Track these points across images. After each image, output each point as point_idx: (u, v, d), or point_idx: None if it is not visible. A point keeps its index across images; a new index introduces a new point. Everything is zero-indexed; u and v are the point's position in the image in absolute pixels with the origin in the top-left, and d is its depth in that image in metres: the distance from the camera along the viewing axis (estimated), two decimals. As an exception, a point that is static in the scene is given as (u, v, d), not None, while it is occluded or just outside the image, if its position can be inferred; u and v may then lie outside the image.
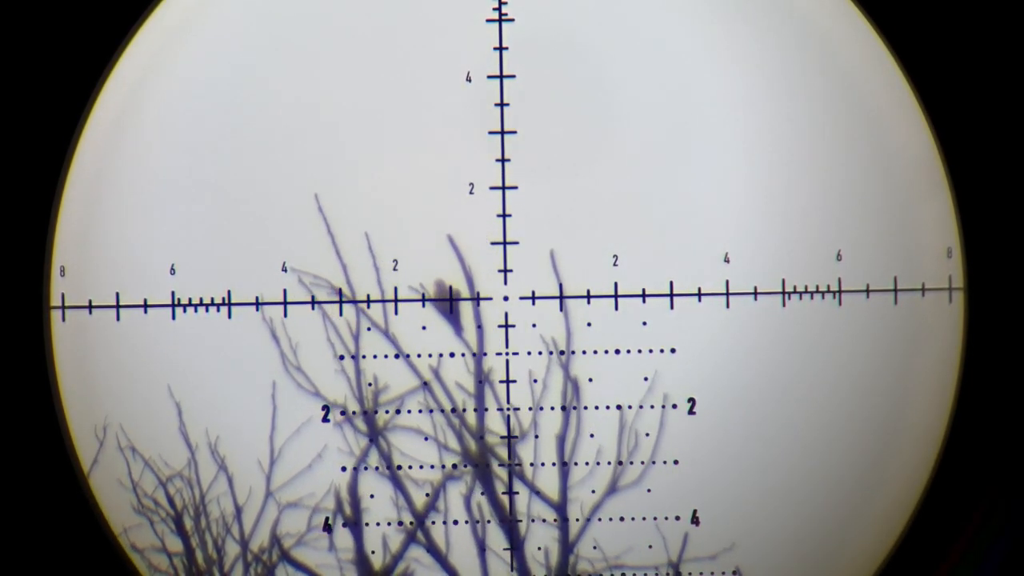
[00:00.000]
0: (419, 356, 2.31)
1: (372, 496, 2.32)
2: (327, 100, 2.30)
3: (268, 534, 2.32)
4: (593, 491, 2.32)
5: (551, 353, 2.30)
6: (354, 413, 2.31)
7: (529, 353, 2.31)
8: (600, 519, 2.33)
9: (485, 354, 2.31)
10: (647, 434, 2.32)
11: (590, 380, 2.32)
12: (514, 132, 2.31)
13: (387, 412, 2.32)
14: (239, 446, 2.31)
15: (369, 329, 2.31)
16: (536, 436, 2.31)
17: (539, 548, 2.32)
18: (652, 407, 2.31)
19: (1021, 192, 2.25)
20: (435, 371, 2.31)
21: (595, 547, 2.32)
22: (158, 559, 2.32)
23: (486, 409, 2.32)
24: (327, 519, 2.31)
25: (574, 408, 2.31)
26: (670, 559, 2.32)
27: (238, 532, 2.32)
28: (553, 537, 2.33)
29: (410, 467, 2.32)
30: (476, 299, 2.31)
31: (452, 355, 2.31)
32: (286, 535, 2.32)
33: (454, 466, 2.31)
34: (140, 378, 2.30)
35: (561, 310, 2.30)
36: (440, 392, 2.31)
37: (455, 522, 2.33)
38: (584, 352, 2.31)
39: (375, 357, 2.32)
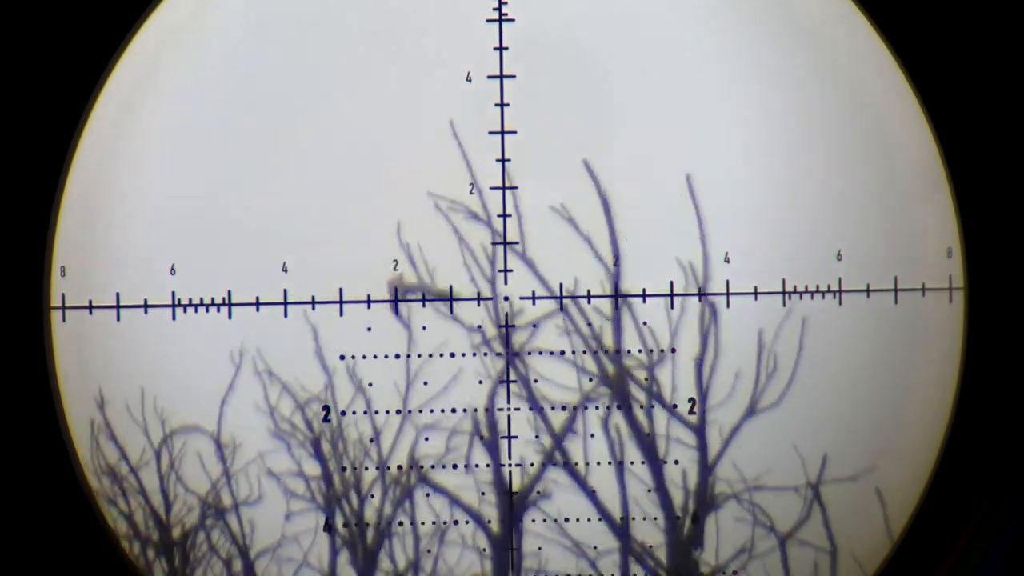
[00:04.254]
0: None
1: (510, 418, 2.32)
2: (327, 100, 2.30)
3: (407, 457, 2.32)
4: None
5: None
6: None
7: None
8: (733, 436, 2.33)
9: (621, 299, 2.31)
10: (647, 434, 2.32)
11: (590, 380, 2.32)
12: (514, 132, 2.31)
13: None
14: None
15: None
16: (674, 350, 2.30)
17: (676, 462, 2.32)
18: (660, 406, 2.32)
19: (1021, 192, 2.26)
20: (571, 294, 2.30)
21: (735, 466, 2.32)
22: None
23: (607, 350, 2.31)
24: (327, 519, 2.31)
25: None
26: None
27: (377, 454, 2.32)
28: (692, 459, 2.32)
29: (546, 389, 2.32)
30: (478, 299, 2.31)
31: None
32: (424, 457, 2.32)
33: (590, 378, 2.30)
34: (140, 377, 2.30)
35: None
36: (576, 314, 2.30)
37: (591, 436, 2.32)
38: (595, 353, 2.32)
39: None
